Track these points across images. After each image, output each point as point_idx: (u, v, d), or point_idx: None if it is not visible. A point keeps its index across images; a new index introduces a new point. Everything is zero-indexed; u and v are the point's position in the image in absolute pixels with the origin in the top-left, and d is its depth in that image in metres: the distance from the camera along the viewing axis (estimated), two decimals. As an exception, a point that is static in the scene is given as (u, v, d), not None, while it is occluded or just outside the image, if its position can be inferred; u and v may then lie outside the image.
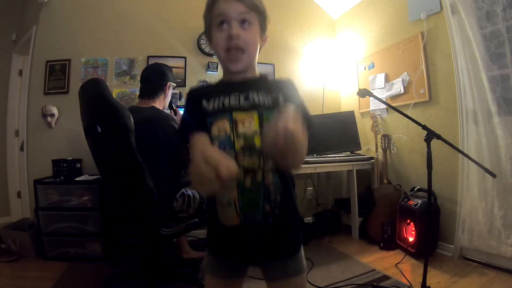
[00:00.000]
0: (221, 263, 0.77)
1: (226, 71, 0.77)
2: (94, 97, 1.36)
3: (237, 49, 0.70)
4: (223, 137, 0.69)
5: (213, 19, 0.73)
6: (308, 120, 0.70)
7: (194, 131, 0.70)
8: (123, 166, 1.39)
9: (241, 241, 0.71)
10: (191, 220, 1.53)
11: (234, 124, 0.69)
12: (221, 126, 0.70)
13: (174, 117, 1.68)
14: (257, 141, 0.69)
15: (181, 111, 2.01)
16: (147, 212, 1.40)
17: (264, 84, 0.75)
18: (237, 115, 0.70)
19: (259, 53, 0.78)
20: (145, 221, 1.41)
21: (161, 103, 1.68)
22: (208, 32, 0.77)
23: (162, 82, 1.66)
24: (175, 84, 1.79)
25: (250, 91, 0.72)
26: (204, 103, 0.73)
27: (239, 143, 0.69)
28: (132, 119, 1.31)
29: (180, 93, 2.67)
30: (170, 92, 1.73)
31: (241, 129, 0.69)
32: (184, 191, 1.57)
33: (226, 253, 0.75)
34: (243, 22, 0.71)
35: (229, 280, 0.77)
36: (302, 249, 0.79)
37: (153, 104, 1.62)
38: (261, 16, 0.75)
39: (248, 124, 0.69)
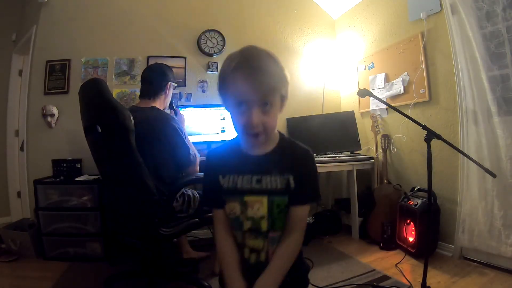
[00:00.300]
0: None
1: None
2: (94, 97, 1.36)
3: (257, 134, 0.69)
4: (233, 217, 0.75)
5: (230, 95, 0.69)
6: (316, 198, 0.78)
7: (215, 207, 0.77)
8: (122, 166, 1.39)
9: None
10: (191, 220, 1.53)
11: (243, 207, 0.74)
12: (232, 207, 0.75)
13: (175, 117, 1.68)
14: (264, 225, 0.73)
15: (181, 111, 2.01)
16: (146, 212, 1.40)
17: (279, 160, 0.75)
18: (248, 199, 0.74)
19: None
20: (145, 221, 1.41)
21: (162, 103, 1.68)
22: (223, 95, 0.74)
23: (163, 82, 1.67)
24: (175, 84, 1.79)
25: (263, 173, 0.73)
26: (221, 179, 0.76)
27: (246, 225, 0.74)
28: (132, 119, 1.31)
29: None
30: (170, 92, 1.73)
31: (250, 212, 0.74)
32: (184, 191, 1.57)
33: None
34: (264, 104, 0.67)
35: None
36: None
37: (154, 104, 1.62)
38: (284, 89, 0.72)
39: (257, 208, 0.73)
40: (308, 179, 0.77)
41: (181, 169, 1.61)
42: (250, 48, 0.69)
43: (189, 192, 1.60)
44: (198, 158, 1.66)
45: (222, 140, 2.51)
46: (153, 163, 1.45)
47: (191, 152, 1.57)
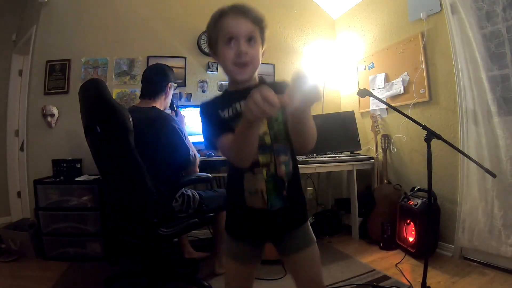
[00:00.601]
0: (241, 246, 0.88)
1: (231, 81, 0.86)
2: (93, 97, 1.36)
3: (244, 63, 0.79)
4: None
5: (220, 35, 0.80)
6: None
7: (222, 134, 0.80)
8: (122, 166, 1.39)
9: (264, 221, 0.84)
10: (191, 220, 1.53)
11: None
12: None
13: (175, 118, 1.68)
14: (268, 140, 0.81)
15: (182, 111, 2.01)
16: (145, 212, 1.40)
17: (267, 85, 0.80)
18: None
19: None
20: (144, 221, 1.41)
21: (162, 104, 1.68)
22: (213, 44, 0.84)
23: (163, 82, 1.67)
24: (176, 85, 1.79)
25: None
26: (220, 112, 0.83)
27: None
28: (131, 119, 1.31)
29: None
30: (171, 92, 1.73)
31: None
32: (184, 191, 1.57)
33: (249, 233, 0.87)
34: (250, 39, 0.79)
35: (248, 264, 0.90)
36: (308, 223, 0.92)
37: (154, 105, 1.62)
38: (263, 30, 0.83)
39: (261, 126, 0.79)
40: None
41: (181, 169, 1.61)
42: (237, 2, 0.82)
43: (189, 192, 1.60)
44: (198, 159, 1.66)
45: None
46: (153, 163, 1.44)
47: (190, 153, 1.57)
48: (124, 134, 1.30)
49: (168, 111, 1.80)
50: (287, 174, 0.83)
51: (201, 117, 0.87)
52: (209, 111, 0.85)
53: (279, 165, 0.82)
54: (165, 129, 1.51)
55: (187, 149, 1.56)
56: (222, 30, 0.79)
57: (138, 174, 1.35)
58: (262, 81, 0.88)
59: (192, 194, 1.61)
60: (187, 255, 2.03)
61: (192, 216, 1.55)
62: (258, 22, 0.81)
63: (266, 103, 0.57)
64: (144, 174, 1.35)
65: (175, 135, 1.52)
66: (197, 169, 1.64)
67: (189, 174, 1.60)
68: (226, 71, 0.82)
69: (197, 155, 1.65)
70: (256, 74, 0.87)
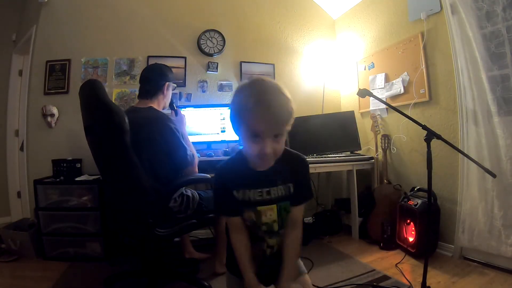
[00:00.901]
0: (239, 281, 0.95)
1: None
2: (91, 98, 1.36)
3: (268, 159, 0.82)
4: (249, 222, 0.92)
5: (244, 126, 0.79)
6: (310, 196, 0.97)
7: (232, 215, 0.92)
8: (118, 166, 1.40)
9: (261, 268, 0.93)
10: (189, 222, 1.52)
11: (258, 215, 0.90)
12: (248, 215, 0.91)
13: (171, 117, 1.66)
14: (276, 227, 0.92)
15: (182, 111, 2.00)
16: (141, 212, 1.40)
17: (281, 172, 0.89)
18: (261, 208, 0.90)
19: None
20: (140, 221, 1.41)
21: (160, 104, 1.67)
22: (235, 124, 0.83)
23: (161, 82, 1.66)
24: (175, 85, 1.78)
25: (271, 185, 0.89)
26: (235, 193, 0.89)
27: (262, 229, 0.92)
28: (126, 120, 1.31)
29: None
30: (169, 92, 1.72)
31: (264, 219, 0.91)
32: (184, 192, 1.57)
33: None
34: (276, 136, 0.80)
35: None
36: (300, 261, 1.03)
37: (151, 105, 1.62)
38: (292, 120, 0.83)
39: (269, 215, 0.91)
40: (305, 183, 0.96)
41: (178, 170, 1.59)
42: (261, 83, 0.79)
43: (189, 192, 1.60)
44: (197, 158, 1.65)
45: (222, 140, 2.51)
46: (150, 164, 1.45)
47: (188, 153, 1.56)
48: (120, 135, 1.30)
49: (168, 111, 1.79)
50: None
51: (215, 182, 0.94)
52: (223, 186, 0.91)
53: (281, 246, 0.94)
54: (161, 129, 1.50)
55: (185, 149, 1.55)
56: (248, 123, 0.77)
57: (134, 175, 1.35)
58: (282, 161, 0.88)
59: (192, 194, 1.60)
60: (187, 255, 2.03)
61: (191, 216, 1.55)
62: (287, 116, 0.80)
63: None
64: (140, 175, 1.36)
65: (171, 135, 1.51)
66: (196, 169, 1.63)
67: (188, 174, 1.59)
68: (248, 155, 0.85)
69: (196, 155, 1.64)
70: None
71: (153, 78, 1.65)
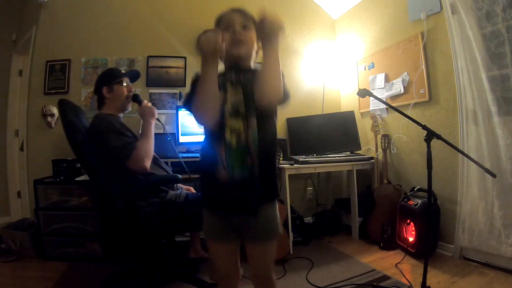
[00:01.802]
0: (218, 223, 0.93)
1: (227, 60, 0.96)
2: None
3: (239, 40, 0.91)
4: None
5: (221, 26, 0.95)
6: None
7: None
8: (88, 173, 1.62)
9: (230, 193, 0.87)
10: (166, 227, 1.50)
11: (225, 94, 0.90)
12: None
13: (108, 116, 1.56)
14: (241, 108, 0.88)
15: (182, 111, 1.99)
16: (114, 215, 1.49)
17: (253, 71, 0.95)
18: (228, 88, 0.91)
19: (256, 55, 0.99)
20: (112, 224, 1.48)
21: (110, 107, 1.62)
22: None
23: (98, 88, 1.64)
24: (125, 80, 1.68)
25: (241, 72, 0.93)
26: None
27: (229, 109, 0.88)
28: (78, 133, 1.47)
29: (180, 93, 2.67)
30: (116, 92, 1.62)
31: (231, 98, 0.90)
32: (165, 195, 1.51)
33: (221, 206, 0.91)
34: (243, 27, 0.94)
35: (226, 241, 0.95)
36: (276, 206, 0.95)
37: (101, 111, 1.62)
38: (256, 26, 0.93)
39: (236, 94, 0.90)
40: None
41: (124, 170, 1.45)
42: None
43: (170, 196, 1.52)
44: (141, 151, 1.44)
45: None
46: (104, 169, 1.48)
47: (125, 143, 1.44)
48: (76, 147, 1.45)
49: (131, 104, 1.71)
50: (254, 141, 0.86)
51: (191, 87, 0.97)
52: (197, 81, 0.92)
53: (249, 134, 0.87)
54: (98, 131, 1.46)
55: (120, 141, 1.43)
56: (222, 22, 0.96)
57: (99, 181, 1.48)
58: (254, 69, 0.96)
59: (176, 198, 1.52)
60: (193, 254, 2.01)
61: (171, 221, 1.49)
62: (251, 17, 0.98)
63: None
64: (103, 181, 1.46)
65: (105, 134, 1.44)
66: (144, 164, 1.44)
67: (135, 170, 1.43)
68: (225, 52, 0.90)
69: (138, 146, 1.45)
70: (252, 63, 0.98)
71: (95, 88, 1.66)
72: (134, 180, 1.44)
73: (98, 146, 1.44)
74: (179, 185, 1.69)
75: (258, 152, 0.86)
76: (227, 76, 0.93)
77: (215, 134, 0.88)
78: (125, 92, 1.65)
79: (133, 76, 1.78)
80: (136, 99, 1.68)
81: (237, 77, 0.93)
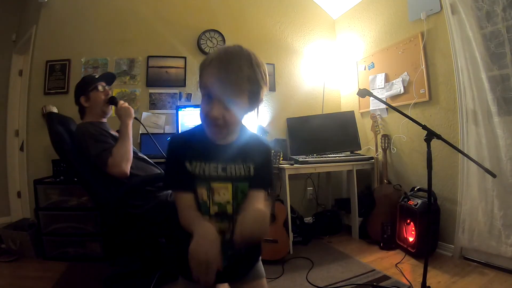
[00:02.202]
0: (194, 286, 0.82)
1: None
2: None
3: (217, 126, 0.74)
4: (200, 202, 0.78)
5: (202, 85, 0.74)
6: (270, 185, 0.87)
7: (181, 189, 0.78)
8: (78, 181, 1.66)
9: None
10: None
11: (211, 192, 0.78)
12: (200, 193, 0.78)
13: (86, 124, 1.57)
14: (229, 209, 0.79)
15: (182, 111, 1.96)
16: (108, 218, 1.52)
17: (242, 150, 0.82)
18: (215, 185, 0.79)
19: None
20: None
21: (91, 115, 1.62)
22: (199, 88, 0.78)
23: (76, 100, 1.64)
24: (101, 85, 1.66)
25: (228, 162, 0.79)
26: (187, 165, 0.78)
27: (213, 210, 0.79)
28: (66, 142, 1.45)
29: (180, 93, 2.67)
30: (93, 100, 1.61)
31: (217, 198, 0.79)
32: (155, 196, 1.50)
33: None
34: (228, 101, 0.71)
35: None
36: (260, 261, 0.92)
37: (83, 120, 1.62)
38: (253, 91, 0.73)
39: (223, 194, 0.79)
40: (266, 168, 0.86)
41: (105, 175, 1.46)
42: (233, 47, 0.73)
43: (160, 196, 1.51)
44: (116, 156, 1.43)
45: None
46: (90, 176, 1.48)
47: (101, 150, 1.44)
48: (64, 155, 1.45)
49: (110, 108, 1.70)
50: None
51: (168, 153, 0.83)
52: (175, 155, 0.80)
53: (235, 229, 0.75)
54: (77, 142, 1.48)
55: (97, 148, 1.43)
56: (204, 80, 0.73)
57: (88, 188, 1.52)
58: (243, 141, 0.82)
59: (166, 197, 1.50)
60: None
61: (164, 221, 1.45)
62: (243, 84, 0.70)
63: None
64: (96, 188, 1.47)
65: (83, 141, 1.45)
66: (120, 169, 1.42)
67: (117, 176, 1.43)
68: (201, 120, 0.77)
69: (116, 152, 1.43)
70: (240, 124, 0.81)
71: (74, 99, 1.65)
72: (119, 184, 1.44)
73: (81, 155, 1.45)
74: None
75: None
76: (211, 168, 0.77)
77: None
78: (103, 97, 1.64)
79: (108, 78, 1.74)
80: (112, 101, 1.66)
81: (224, 171, 0.79)
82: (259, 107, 0.80)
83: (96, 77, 1.69)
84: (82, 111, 1.64)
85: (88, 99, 1.61)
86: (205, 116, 0.73)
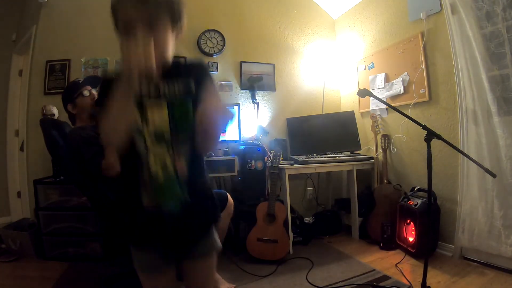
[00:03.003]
0: (150, 256, 0.78)
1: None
2: None
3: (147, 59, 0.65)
4: (133, 125, 0.69)
5: (118, 22, 0.71)
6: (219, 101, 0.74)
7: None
8: None
9: (161, 226, 0.73)
10: None
11: (143, 114, 0.70)
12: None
13: (76, 130, 1.59)
14: (165, 129, 0.70)
15: None
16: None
17: (176, 71, 0.75)
18: (148, 103, 0.70)
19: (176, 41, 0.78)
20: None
21: (81, 120, 1.64)
22: (116, 28, 0.75)
23: (64, 108, 1.66)
24: (87, 90, 1.68)
25: (161, 81, 0.71)
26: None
27: (148, 131, 0.70)
28: (60, 148, 1.50)
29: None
30: (81, 106, 1.63)
31: (150, 118, 0.70)
32: None
33: (152, 242, 0.77)
34: (152, 26, 0.67)
35: (166, 273, 0.82)
36: (213, 230, 0.83)
37: (75, 125, 1.64)
38: (171, 11, 0.72)
39: (158, 114, 0.70)
40: (210, 85, 0.74)
41: (101, 175, 1.44)
42: None
43: None
44: (105, 162, 1.39)
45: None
46: (86, 179, 1.50)
47: (94, 153, 1.43)
48: (56, 162, 1.53)
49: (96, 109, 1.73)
50: (183, 171, 0.71)
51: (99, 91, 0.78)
52: (107, 88, 0.70)
53: (178, 159, 0.70)
54: (71, 148, 1.48)
55: (89, 155, 1.43)
56: (119, 17, 0.71)
57: (83, 191, 1.57)
58: (176, 65, 0.77)
59: None
60: None
61: None
62: (160, 8, 0.69)
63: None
64: (86, 192, 1.51)
65: (75, 147, 1.45)
66: (116, 170, 1.39)
67: (111, 176, 1.41)
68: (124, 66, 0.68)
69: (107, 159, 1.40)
70: (169, 56, 0.76)
71: (64, 108, 1.66)
72: (116, 184, 1.43)
73: (76, 160, 1.45)
74: None
75: (189, 183, 0.72)
76: (143, 87, 0.69)
77: (133, 156, 0.70)
78: (90, 101, 1.64)
79: (93, 81, 1.74)
80: (99, 102, 1.67)
81: (157, 90, 0.71)
82: (181, 31, 0.78)
83: (80, 82, 1.69)
84: (72, 118, 1.66)
85: (75, 106, 1.62)
86: (130, 57, 0.63)
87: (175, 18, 0.74)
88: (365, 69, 2.80)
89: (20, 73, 2.88)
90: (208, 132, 0.60)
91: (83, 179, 1.48)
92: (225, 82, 2.79)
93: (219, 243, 0.84)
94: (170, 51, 0.75)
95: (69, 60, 2.48)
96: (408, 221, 2.05)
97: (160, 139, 0.70)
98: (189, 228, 0.76)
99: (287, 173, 2.28)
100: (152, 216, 0.72)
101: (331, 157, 2.47)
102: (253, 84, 2.64)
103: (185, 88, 0.72)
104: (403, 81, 2.37)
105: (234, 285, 1.78)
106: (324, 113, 2.99)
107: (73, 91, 1.63)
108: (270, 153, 2.27)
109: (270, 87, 2.92)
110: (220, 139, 0.71)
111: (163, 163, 0.70)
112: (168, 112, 0.70)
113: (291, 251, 2.14)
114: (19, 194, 2.74)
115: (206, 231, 0.81)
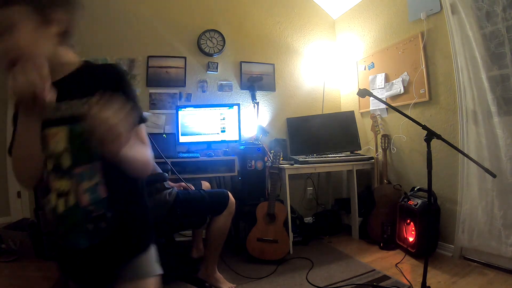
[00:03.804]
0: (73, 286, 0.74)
1: None
2: None
3: (14, 62, 0.55)
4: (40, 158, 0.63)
5: None
6: (139, 118, 0.66)
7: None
8: None
9: (70, 262, 0.69)
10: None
11: (44, 142, 0.62)
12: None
13: None
14: (65, 160, 0.62)
15: (182, 111, 1.96)
16: None
17: (79, 82, 0.65)
18: (48, 131, 0.63)
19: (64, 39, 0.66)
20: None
21: None
22: None
23: None
24: None
25: (61, 99, 0.61)
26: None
27: (50, 165, 0.63)
28: None
29: (180, 93, 2.67)
30: None
31: (51, 148, 0.62)
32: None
33: (71, 274, 0.72)
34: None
35: None
36: (152, 251, 0.75)
37: None
38: (31, 5, 0.58)
39: (57, 142, 0.62)
40: (127, 95, 0.64)
41: None
42: None
43: (158, 197, 1.53)
44: None
45: (222, 140, 2.50)
46: None
47: None
48: None
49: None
50: (95, 203, 0.63)
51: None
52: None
53: (81, 194, 0.62)
54: None
55: None
56: None
57: None
58: (80, 73, 0.68)
59: (165, 197, 1.52)
60: (195, 253, 2.00)
61: (162, 222, 1.49)
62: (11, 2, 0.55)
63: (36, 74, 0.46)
64: None
65: None
66: None
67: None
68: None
69: None
70: (67, 56, 0.67)
71: None
72: None
73: None
74: (170, 183, 1.68)
75: (104, 209, 0.64)
76: (36, 113, 0.60)
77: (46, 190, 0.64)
78: None
79: None
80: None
81: (58, 111, 0.62)
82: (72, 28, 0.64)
83: None
84: None
85: None
86: None
87: (40, 4, 0.59)
88: (365, 69, 2.80)
89: (20, 73, 2.88)
90: (131, 166, 0.54)
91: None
92: (225, 82, 2.79)
93: (156, 269, 0.75)
94: (60, 50, 0.65)
95: (69, 60, 2.48)
96: (408, 221, 2.05)
97: (61, 174, 0.62)
98: (102, 258, 0.67)
99: (287, 173, 2.28)
100: (62, 250, 0.68)
101: (331, 157, 2.47)
102: (253, 84, 2.64)
103: (88, 105, 0.58)
104: (403, 81, 2.37)
105: (235, 285, 1.79)
106: (324, 113, 2.99)
107: None
108: (270, 153, 2.28)
109: (270, 87, 2.92)
110: (149, 164, 0.65)
111: (62, 194, 0.62)
112: (68, 138, 0.62)
113: (291, 251, 2.14)
114: (19, 194, 2.73)
115: (127, 260, 0.69)
